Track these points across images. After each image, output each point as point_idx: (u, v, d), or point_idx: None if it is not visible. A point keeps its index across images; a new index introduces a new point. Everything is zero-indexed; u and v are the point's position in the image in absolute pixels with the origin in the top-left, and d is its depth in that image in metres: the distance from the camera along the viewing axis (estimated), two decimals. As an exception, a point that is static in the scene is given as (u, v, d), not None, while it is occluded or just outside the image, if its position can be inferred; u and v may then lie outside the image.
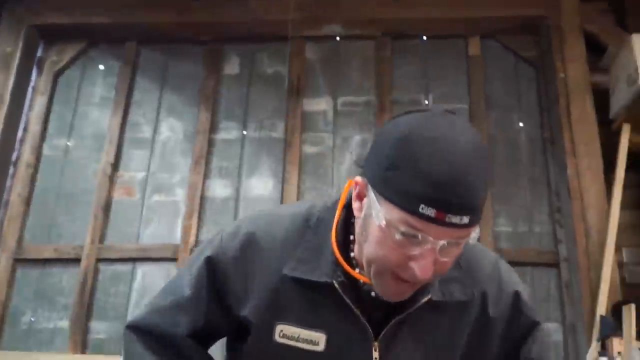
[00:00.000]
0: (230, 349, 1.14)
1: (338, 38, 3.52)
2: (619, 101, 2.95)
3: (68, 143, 3.45)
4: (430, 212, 0.81)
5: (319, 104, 3.40)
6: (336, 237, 1.00)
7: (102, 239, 3.20)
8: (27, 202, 3.32)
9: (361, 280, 0.99)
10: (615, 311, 2.56)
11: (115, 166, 3.35)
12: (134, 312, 3.05)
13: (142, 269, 3.14)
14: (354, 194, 0.96)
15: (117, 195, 3.30)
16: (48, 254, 3.20)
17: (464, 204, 0.82)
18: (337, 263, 0.99)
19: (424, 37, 3.49)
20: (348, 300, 0.98)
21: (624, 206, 2.83)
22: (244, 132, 3.38)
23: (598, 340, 2.54)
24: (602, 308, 2.60)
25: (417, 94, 3.38)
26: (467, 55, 3.42)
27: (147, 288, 3.10)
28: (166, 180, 3.32)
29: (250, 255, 1.03)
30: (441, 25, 3.44)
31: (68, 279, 3.15)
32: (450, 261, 0.89)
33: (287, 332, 1.01)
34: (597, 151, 2.99)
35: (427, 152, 0.82)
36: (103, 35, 3.61)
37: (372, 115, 3.34)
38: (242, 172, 3.30)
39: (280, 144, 3.32)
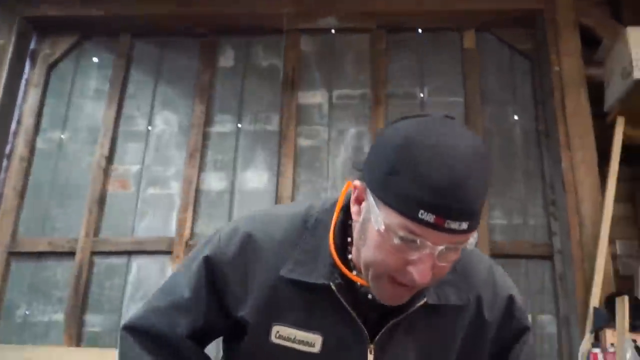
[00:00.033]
0: (227, 348, 1.14)
1: (333, 31, 3.51)
2: (613, 94, 2.96)
3: (62, 136, 3.44)
4: (430, 217, 0.81)
5: (314, 97, 3.39)
6: (334, 239, 1.00)
7: (96, 232, 3.19)
8: (21, 195, 3.31)
9: (358, 283, 0.99)
10: (609, 303, 2.57)
11: (110, 159, 3.34)
12: (129, 305, 3.06)
13: (137, 262, 3.14)
14: (352, 198, 0.96)
15: (112, 188, 3.29)
16: (42, 247, 3.19)
17: (463, 210, 0.82)
18: (334, 265, 0.99)
19: (419, 30, 3.49)
20: (345, 303, 0.99)
21: (617, 199, 2.84)
22: (239, 125, 3.37)
23: (591, 332, 2.55)
24: (595, 300, 2.62)
25: (412, 87, 3.38)
26: (462, 49, 3.42)
27: (142, 281, 3.11)
28: (161, 173, 3.31)
29: (249, 255, 1.03)
30: (436, 18, 3.44)
31: (63, 272, 3.15)
32: (448, 266, 0.90)
33: (283, 333, 1.01)
34: (591, 144, 3.00)
35: (427, 157, 0.82)
36: (97, 28, 3.59)
37: (367, 109, 3.34)
38: (237, 165, 3.29)
39: (275, 137, 3.32)
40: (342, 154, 3.26)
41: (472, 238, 0.87)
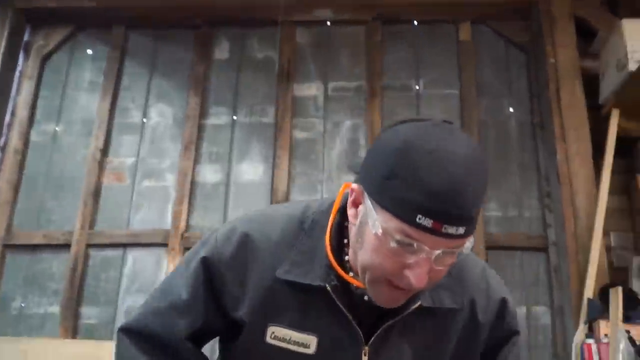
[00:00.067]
0: (223, 348, 1.14)
1: (329, 23, 3.50)
2: (608, 86, 2.96)
3: (56, 128, 3.42)
4: (427, 222, 0.82)
5: (310, 89, 3.38)
6: (330, 240, 1.00)
7: (92, 225, 3.19)
8: (16, 188, 3.30)
9: (354, 285, 0.99)
10: (603, 294, 2.58)
11: (105, 152, 3.33)
12: (125, 297, 3.06)
13: (132, 255, 3.14)
14: (349, 201, 0.96)
15: (107, 180, 3.29)
16: (37, 239, 3.18)
17: (461, 215, 0.82)
18: (330, 267, 0.99)
19: (415, 22, 3.48)
20: (340, 305, 0.99)
21: (612, 191, 2.85)
22: (234, 117, 3.37)
23: (585, 323, 2.57)
24: (589, 291, 2.63)
25: (407, 80, 3.38)
26: (457, 41, 3.42)
27: (138, 273, 3.11)
28: (156, 166, 3.30)
29: (246, 255, 1.03)
30: (432, 10, 3.43)
31: (58, 265, 3.14)
32: (444, 270, 0.90)
33: (278, 334, 1.02)
34: (586, 136, 3.00)
35: (426, 162, 0.82)
36: (91, 19, 3.56)
37: (362, 101, 3.33)
38: (233, 158, 3.29)
39: (271, 129, 3.32)
40: (337, 147, 3.26)
41: (469, 242, 0.87)
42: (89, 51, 3.56)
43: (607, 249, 2.93)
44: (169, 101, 3.42)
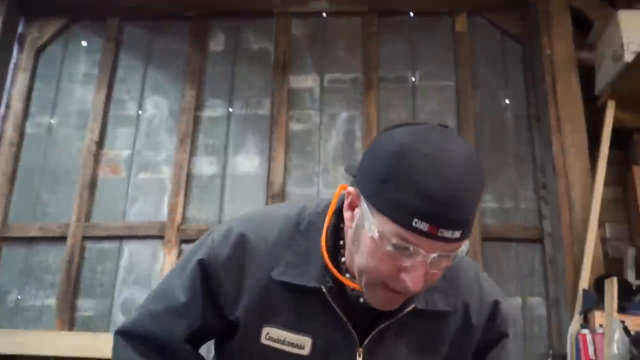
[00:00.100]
0: (218, 348, 1.14)
1: (324, 14, 3.49)
2: (604, 77, 2.96)
3: (51, 121, 3.41)
4: (424, 226, 0.82)
5: (306, 81, 3.38)
6: (326, 242, 1.01)
7: (88, 217, 3.18)
8: (11, 180, 3.29)
9: (349, 286, 1.00)
10: (598, 285, 2.59)
11: (100, 144, 3.32)
12: (121, 289, 3.06)
13: (128, 247, 3.14)
14: (345, 203, 0.96)
15: (103, 173, 3.28)
16: (33, 232, 3.18)
17: (456, 219, 0.83)
18: (326, 268, 0.99)
19: (411, 14, 3.47)
20: (335, 306, 0.99)
21: (607, 182, 2.85)
22: (230, 110, 3.36)
23: (580, 314, 2.58)
24: (584, 282, 2.64)
25: (403, 71, 3.37)
26: (453, 32, 3.41)
27: (135, 265, 3.11)
28: (152, 158, 3.29)
29: (242, 256, 1.03)
30: (428, 1, 3.42)
31: (54, 257, 3.14)
32: (439, 273, 0.91)
33: (273, 335, 1.02)
34: (582, 128, 3.00)
35: (422, 166, 0.82)
36: (85, 11, 3.54)
37: (358, 93, 3.33)
38: (229, 150, 3.28)
39: (267, 121, 3.31)
40: (333, 139, 3.26)
41: (464, 246, 0.88)
42: (84, 43, 3.54)
43: (603, 240, 2.94)
44: (165, 93, 3.41)
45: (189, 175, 3.23)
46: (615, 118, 2.91)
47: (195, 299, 1.04)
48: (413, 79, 3.35)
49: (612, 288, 2.44)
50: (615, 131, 2.90)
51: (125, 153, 3.31)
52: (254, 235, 1.04)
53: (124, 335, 1.06)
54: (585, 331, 2.49)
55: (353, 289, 1.00)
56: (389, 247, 0.85)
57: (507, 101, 3.28)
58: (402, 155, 0.84)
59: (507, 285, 2.95)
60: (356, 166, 0.95)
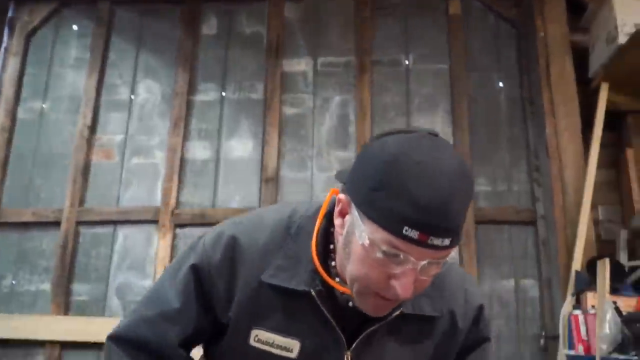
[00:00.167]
0: (207, 348, 1.15)
1: (317, -3, 3.47)
2: (598, 60, 2.96)
3: (43, 105, 3.39)
4: (414, 234, 0.83)
5: (299, 65, 3.36)
6: (316, 246, 1.01)
7: (81, 202, 3.18)
8: (4, 165, 3.27)
9: (339, 290, 1.00)
10: (590, 266, 2.61)
11: (93, 129, 3.30)
12: (116, 274, 3.06)
13: (122, 232, 3.14)
14: (336, 211, 0.97)
15: (96, 158, 3.27)
16: (27, 217, 3.18)
17: (447, 227, 0.84)
18: (315, 272, 1.00)
19: (405, -4, 3.45)
20: (324, 310, 1.00)
21: (600, 165, 2.86)
22: (223, 94, 3.34)
23: (573, 295, 2.60)
24: (577, 264, 2.66)
25: (397, 55, 3.36)
26: (447, 15, 3.39)
27: (129, 250, 3.11)
28: (145, 143, 3.28)
29: (234, 258, 1.04)
30: (422, -16, 3.40)
31: (48, 242, 3.14)
32: (429, 279, 0.92)
33: (262, 337, 1.03)
34: (575, 111, 3.01)
35: (413, 175, 0.83)
36: (76, -5, 3.51)
37: (352, 76, 3.31)
38: (222, 134, 3.27)
39: (260, 105, 3.30)
40: (327, 122, 3.25)
41: (453, 252, 0.90)
42: (75, 27, 3.51)
43: (595, 222, 2.95)
44: (157, 77, 3.39)
45: (182, 160, 3.22)
46: (608, 100, 2.91)
47: (188, 304, 1.05)
48: (407, 62, 3.34)
49: (604, 269, 2.46)
50: (608, 113, 2.91)
51: (118, 138, 3.30)
52: (245, 238, 1.05)
53: (116, 340, 1.06)
54: (578, 312, 2.51)
55: (342, 293, 1.01)
56: (379, 254, 0.86)
57: (500, 84, 3.27)
58: (394, 163, 0.85)
59: (501, 268, 2.97)
60: (347, 173, 0.96)
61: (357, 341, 1.02)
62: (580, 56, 3.08)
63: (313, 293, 0.99)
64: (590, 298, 2.52)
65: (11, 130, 3.34)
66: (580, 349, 2.43)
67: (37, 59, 3.47)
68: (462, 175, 0.86)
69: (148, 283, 3.02)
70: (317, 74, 3.34)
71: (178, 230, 3.10)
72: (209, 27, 3.48)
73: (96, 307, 3.02)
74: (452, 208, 0.83)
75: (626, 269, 2.68)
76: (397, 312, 1.01)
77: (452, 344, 1.11)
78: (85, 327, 2.93)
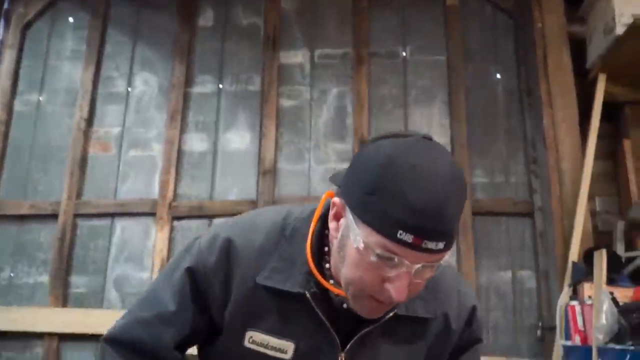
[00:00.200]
0: (202, 349, 1.15)
1: (314, -12, 3.45)
2: (595, 51, 2.96)
3: (40, 98, 3.38)
4: (408, 237, 0.83)
5: (296, 57, 3.35)
6: (311, 248, 1.01)
7: (79, 195, 3.18)
8: (1, 158, 3.28)
9: (333, 292, 1.01)
10: (587, 257, 2.62)
11: (90, 121, 3.30)
12: (114, 266, 3.07)
13: (120, 224, 3.14)
14: (330, 214, 0.97)
15: (93, 150, 3.27)
16: (25, 210, 3.18)
17: (442, 231, 0.84)
18: (310, 274, 1.00)
19: (402, -12, 3.44)
20: (318, 311, 1.00)
21: (597, 156, 2.87)
22: (220, 86, 3.33)
23: (570, 286, 2.60)
24: (574, 255, 2.66)
25: (394, 46, 3.35)
26: (444, 6, 3.38)
27: (127, 242, 3.11)
28: (142, 135, 3.28)
29: (229, 260, 1.04)
30: (419, -25, 3.39)
31: (46, 235, 3.14)
32: (423, 283, 0.92)
33: (256, 339, 1.03)
34: (572, 103, 3.01)
35: (408, 179, 0.83)
36: (72, -13, 3.50)
37: (349, 68, 3.31)
38: (219, 126, 3.27)
39: (257, 97, 3.29)
40: (324, 114, 3.25)
41: (447, 255, 0.89)
42: (70, 19, 3.50)
43: (592, 213, 2.96)
44: (154, 70, 3.38)
45: (179, 152, 3.22)
46: (606, 91, 2.91)
47: (184, 306, 1.05)
48: (404, 53, 3.33)
49: (601, 260, 2.46)
50: (606, 104, 2.91)
51: (115, 130, 3.29)
52: (241, 240, 1.05)
53: (112, 342, 1.06)
54: (575, 303, 2.52)
55: (337, 295, 1.01)
56: (373, 258, 0.87)
57: (498, 75, 3.27)
58: (390, 167, 0.85)
59: (498, 259, 2.97)
60: (341, 176, 0.96)
61: (351, 342, 1.02)
62: (578, 47, 3.08)
63: (308, 295, 1.00)
64: (587, 289, 2.53)
65: (8, 123, 3.33)
66: (577, 340, 2.44)
67: (33, 52, 3.46)
68: (456, 179, 0.86)
69: (146, 275, 3.03)
70: (315, 66, 3.33)
71: (175, 223, 3.10)
72: (206, 19, 3.46)
73: (94, 299, 3.02)
74: (446, 212, 0.83)
75: (623, 260, 2.69)
76: (391, 314, 1.02)
77: (445, 345, 1.11)
78: (83, 319, 2.94)
